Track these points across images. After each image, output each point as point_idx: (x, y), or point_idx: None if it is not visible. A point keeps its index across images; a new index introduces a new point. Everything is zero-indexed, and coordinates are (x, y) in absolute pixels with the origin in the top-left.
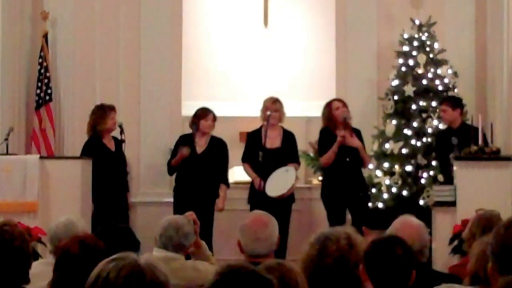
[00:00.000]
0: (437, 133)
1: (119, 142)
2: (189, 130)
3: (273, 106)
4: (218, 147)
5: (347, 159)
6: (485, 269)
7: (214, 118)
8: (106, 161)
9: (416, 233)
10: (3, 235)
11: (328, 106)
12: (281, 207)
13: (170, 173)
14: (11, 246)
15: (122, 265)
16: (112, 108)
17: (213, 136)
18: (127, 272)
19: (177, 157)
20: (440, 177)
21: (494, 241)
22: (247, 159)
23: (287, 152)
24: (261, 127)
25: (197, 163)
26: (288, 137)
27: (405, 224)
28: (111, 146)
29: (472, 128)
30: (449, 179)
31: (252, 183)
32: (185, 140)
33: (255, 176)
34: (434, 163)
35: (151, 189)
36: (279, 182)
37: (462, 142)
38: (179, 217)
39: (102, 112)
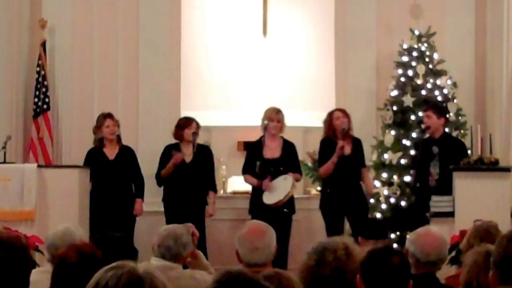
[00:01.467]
0: (419, 141)
1: (126, 151)
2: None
3: (275, 116)
4: (204, 155)
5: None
6: (478, 278)
7: (198, 126)
8: (101, 170)
9: (436, 244)
10: (10, 241)
11: (330, 115)
12: (282, 218)
13: (160, 184)
14: (16, 252)
15: (121, 274)
16: (107, 116)
17: (198, 144)
18: (126, 280)
19: (169, 164)
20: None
21: (496, 252)
22: (248, 171)
23: (287, 162)
24: (261, 138)
25: (186, 172)
26: (288, 148)
27: (427, 233)
28: (111, 154)
29: (454, 139)
30: (425, 187)
31: (252, 194)
32: (173, 150)
33: (257, 182)
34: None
35: (148, 198)
36: (276, 190)
37: (443, 152)
38: (178, 227)
39: (98, 121)
